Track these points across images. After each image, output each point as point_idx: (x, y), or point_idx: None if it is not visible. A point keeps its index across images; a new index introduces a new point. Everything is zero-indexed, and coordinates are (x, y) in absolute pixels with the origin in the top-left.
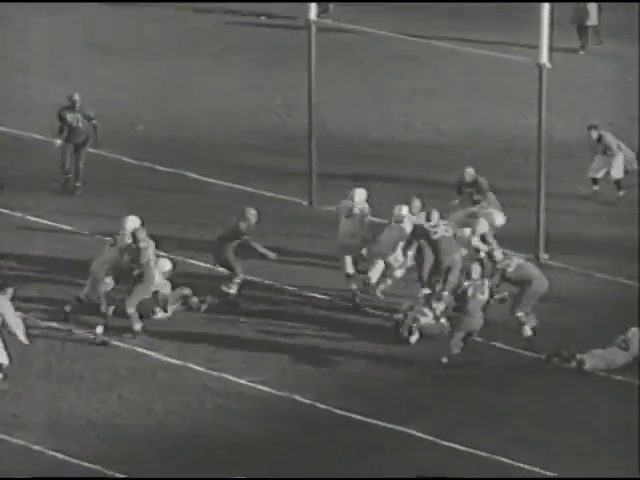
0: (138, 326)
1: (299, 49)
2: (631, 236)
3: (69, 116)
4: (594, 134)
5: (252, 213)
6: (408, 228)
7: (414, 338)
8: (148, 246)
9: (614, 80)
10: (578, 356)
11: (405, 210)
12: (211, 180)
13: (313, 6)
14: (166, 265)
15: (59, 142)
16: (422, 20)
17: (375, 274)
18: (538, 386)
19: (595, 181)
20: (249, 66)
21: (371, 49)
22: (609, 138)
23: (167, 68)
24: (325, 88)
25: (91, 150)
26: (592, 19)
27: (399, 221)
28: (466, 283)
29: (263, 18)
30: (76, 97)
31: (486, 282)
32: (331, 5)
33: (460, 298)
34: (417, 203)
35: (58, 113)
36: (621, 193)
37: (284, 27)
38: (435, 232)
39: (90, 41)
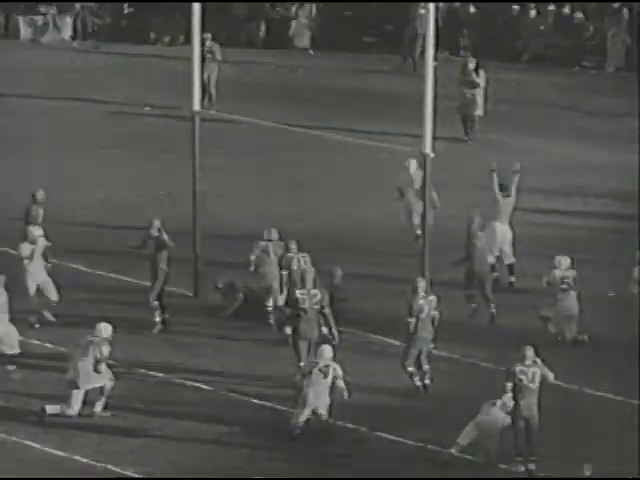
0: None
1: (184, 139)
2: (513, 323)
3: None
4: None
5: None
6: None
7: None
8: None
9: (498, 169)
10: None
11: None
12: (97, 272)
13: (197, 97)
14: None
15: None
16: (309, 110)
17: None
18: (425, 475)
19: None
20: (134, 157)
21: (255, 139)
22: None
23: (52, 161)
24: (210, 178)
25: None
26: (479, 109)
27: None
28: None
29: (147, 108)
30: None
31: None
32: (214, 95)
33: None
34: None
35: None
36: (512, 279)
37: (168, 117)
38: None
39: None
